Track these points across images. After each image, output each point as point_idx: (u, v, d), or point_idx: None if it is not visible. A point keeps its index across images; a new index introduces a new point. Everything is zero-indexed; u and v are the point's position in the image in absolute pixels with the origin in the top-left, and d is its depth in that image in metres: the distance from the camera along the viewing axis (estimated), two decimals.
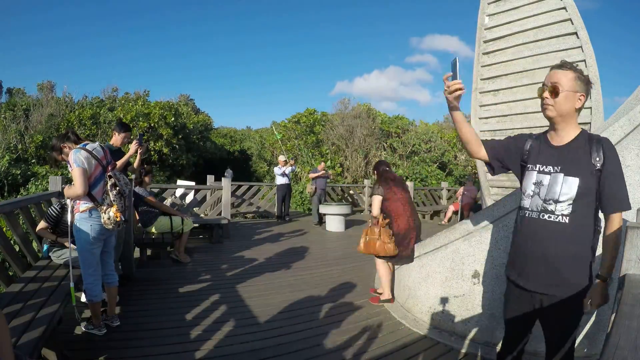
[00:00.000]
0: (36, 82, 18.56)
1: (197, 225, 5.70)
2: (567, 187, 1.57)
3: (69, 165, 2.57)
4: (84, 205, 2.59)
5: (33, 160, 12.95)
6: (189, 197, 7.32)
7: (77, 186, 2.50)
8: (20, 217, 3.50)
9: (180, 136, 16.11)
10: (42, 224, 3.29)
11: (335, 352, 2.69)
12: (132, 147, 3.66)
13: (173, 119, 15.34)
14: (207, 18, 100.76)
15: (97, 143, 2.79)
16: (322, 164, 9.90)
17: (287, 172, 8.99)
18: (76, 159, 2.51)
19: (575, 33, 3.95)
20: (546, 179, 1.62)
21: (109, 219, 2.58)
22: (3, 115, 14.27)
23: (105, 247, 2.79)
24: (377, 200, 3.60)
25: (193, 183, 8.20)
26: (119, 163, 3.61)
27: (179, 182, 9.16)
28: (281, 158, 9.41)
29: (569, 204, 1.57)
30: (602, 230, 1.62)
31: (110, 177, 2.68)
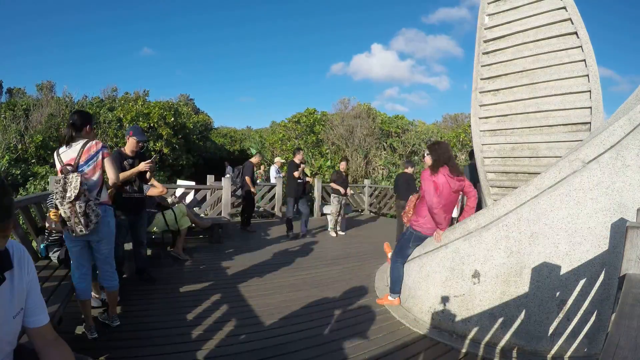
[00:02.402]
0: (37, 83, 18.41)
1: (194, 225, 5.68)
2: None
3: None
4: None
5: (33, 160, 12.93)
6: (189, 197, 7.31)
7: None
8: (21, 217, 3.50)
9: (180, 136, 16.10)
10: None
11: (335, 352, 2.69)
12: (142, 165, 3.65)
13: (173, 119, 15.33)
14: (207, 20, 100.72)
15: (80, 143, 2.64)
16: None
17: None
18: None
19: (575, 33, 3.94)
20: None
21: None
22: (3, 115, 14.24)
23: (96, 252, 2.73)
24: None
25: (193, 183, 8.19)
26: (122, 175, 3.45)
27: (179, 182, 9.16)
28: (278, 159, 10.71)
29: None
30: None
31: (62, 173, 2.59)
